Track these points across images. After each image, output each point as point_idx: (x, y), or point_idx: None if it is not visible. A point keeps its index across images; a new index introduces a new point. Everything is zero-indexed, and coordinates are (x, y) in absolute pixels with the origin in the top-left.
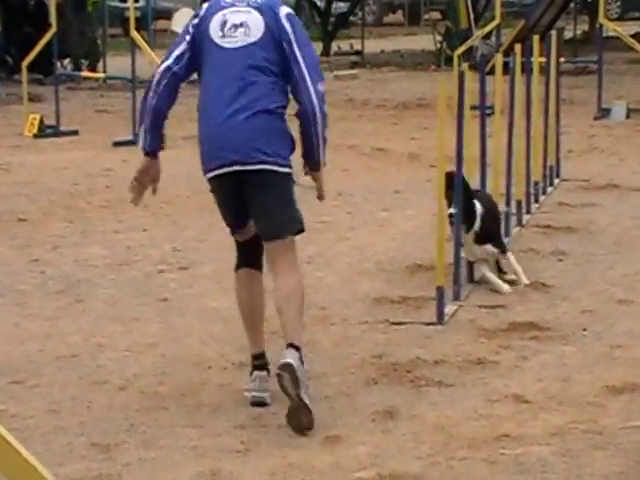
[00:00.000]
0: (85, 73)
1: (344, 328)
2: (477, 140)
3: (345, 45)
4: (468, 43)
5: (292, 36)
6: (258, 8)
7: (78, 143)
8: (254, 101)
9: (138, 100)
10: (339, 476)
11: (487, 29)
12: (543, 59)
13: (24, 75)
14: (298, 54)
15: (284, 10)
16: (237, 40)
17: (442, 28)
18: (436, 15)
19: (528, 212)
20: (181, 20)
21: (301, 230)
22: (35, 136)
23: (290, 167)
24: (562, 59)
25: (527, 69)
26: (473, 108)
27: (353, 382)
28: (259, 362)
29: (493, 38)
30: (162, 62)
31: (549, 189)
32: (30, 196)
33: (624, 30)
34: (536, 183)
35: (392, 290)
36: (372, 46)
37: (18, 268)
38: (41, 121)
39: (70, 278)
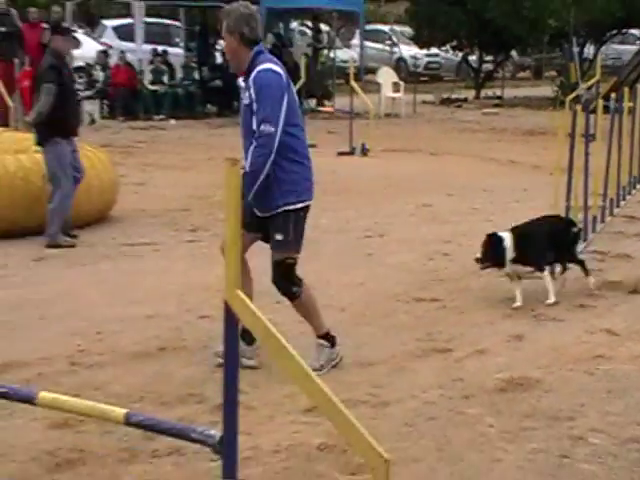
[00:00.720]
0: (322, 108)
1: (487, 279)
2: (582, 157)
3: (490, 92)
4: (577, 92)
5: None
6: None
7: (316, 153)
8: None
9: (355, 126)
10: (484, 375)
11: (590, 82)
12: (631, 103)
13: None
14: None
15: None
16: None
17: (558, 81)
18: (553, 73)
19: (618, 206)
20: (382, 74)
21: None
22: None
23: None
24: None
25: (619, 110)
26: (581, 135)
27: (495, 314)
28: None
29: (594, 89)
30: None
31: (633, 191)
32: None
33: None
34: (624, 187)
35: None
36: (509, 93)
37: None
38: None
39: (308, 238)
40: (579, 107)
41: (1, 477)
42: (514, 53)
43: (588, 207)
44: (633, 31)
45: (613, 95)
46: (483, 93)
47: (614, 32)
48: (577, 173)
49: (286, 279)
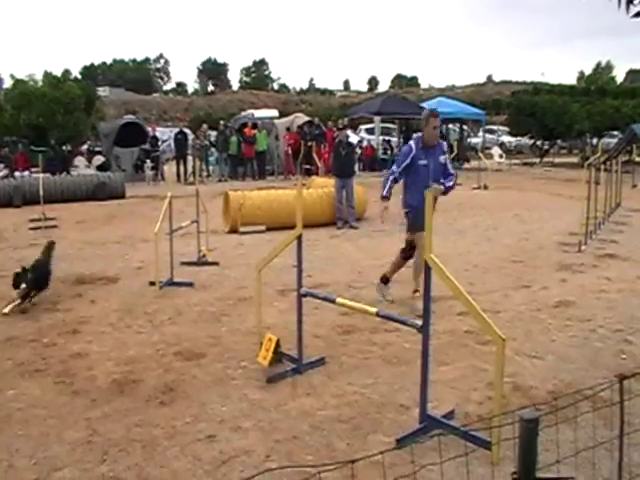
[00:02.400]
0: (465, 165)
1: (547, 252)
2: (594, 192)
3: (546, 160)
4: (589, 161)
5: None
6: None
7: (461, 188)
8: None
9: (481, 174)
10: (548, 299)
11: (596, 156)
12: (616, 167)
13: None
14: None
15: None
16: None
17: (580, 155)
18: (577, 151)
19: (609, 217)
20: (494, 150)
21: None
22: None
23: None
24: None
25: (611, 170)
26: (594, 183)
27: (551, 269)
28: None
29: (598, 159)
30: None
31: (615, 211)
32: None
33: None
34: (612, 207)
35: (564, 239)
36: (557, 160)
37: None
38: None
39: (458, 230)
40: (592, 168)
41: (316, 335)
42: (559, 140)
43: (597, 217)
44: (614, 132)
45: (606, 163)
46: (543, 160)
47: (606, 132)
48: (591, 200)
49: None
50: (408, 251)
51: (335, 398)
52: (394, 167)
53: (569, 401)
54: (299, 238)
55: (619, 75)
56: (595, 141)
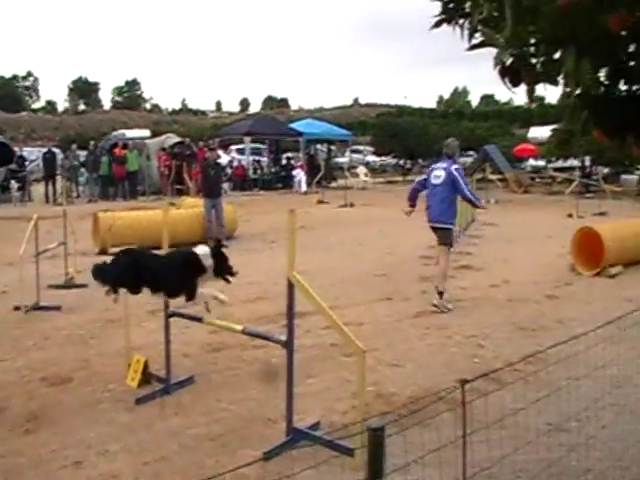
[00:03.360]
0: (332, 185)
1: (410, 265)
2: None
3: (408, 178)
4: None
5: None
6: (444, 169)
7: (329, 206)
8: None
9: (348, 193)
10: (396, 315)
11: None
12: (471, 184)
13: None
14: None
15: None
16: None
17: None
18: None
19: (466, 231)
20: (360, 169)
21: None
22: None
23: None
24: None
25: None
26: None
27: (412, 280)
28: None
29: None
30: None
31: (472, 224)
32: None
33: (493, 176)
34: (471, 219)
35: (424, 253)
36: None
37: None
38: None
39: (323, 246)
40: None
41: (186, 354)
42: (420, 160)
43: None
44: (470, 152)
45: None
46: (406, 178)
47: (463, 152)
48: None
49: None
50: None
51: (204, 416)
52: (468, 184)
53: (425, 404)
54: None
55: (474, 99)
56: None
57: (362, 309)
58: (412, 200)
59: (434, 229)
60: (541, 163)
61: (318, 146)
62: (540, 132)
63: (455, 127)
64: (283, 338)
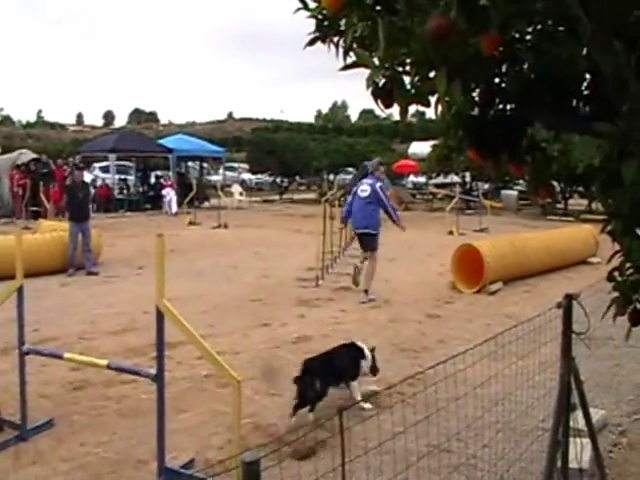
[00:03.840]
0: (203, 204)
1: (287, 287)
2: (330, 227)
3: (287, 196)
4: (327, 196)
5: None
6: (370, 185)
7: (201, 227)
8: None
9: (221, 213)
10: (287, 335)
11: (332, 192)
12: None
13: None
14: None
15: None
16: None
17: (318, 191)
18: (315, 187)
19: (346, 250)
20: (234, 187)
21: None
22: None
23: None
24: None
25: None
26: (329, 217)
27: (289, 305)
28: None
29: (334, 194)
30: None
31: (351, 244)
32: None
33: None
34: (347, 242)
35: (302, 275)
36: (295, 196)
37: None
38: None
39: (199, 272)
40: (328, 203)
41: (44, 395)
42: (297, 177)
43: (332, 251)
44: (349, 168)
45: (342, 198)
46: (284, 196)
47: (342, 168)
48: (327, 235)
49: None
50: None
51: (65, 462)
52: (388, 200)
53: (305, 433)
54: (20, 290)
55: (353, 114)
56: (332, 177)
57: (237, 337)
58: (345, 220)
59: (359, 235)
60: (422, 179)
61: (190, 163)
62: (421, 148)
63: (334, 143)
64: (153, 371)
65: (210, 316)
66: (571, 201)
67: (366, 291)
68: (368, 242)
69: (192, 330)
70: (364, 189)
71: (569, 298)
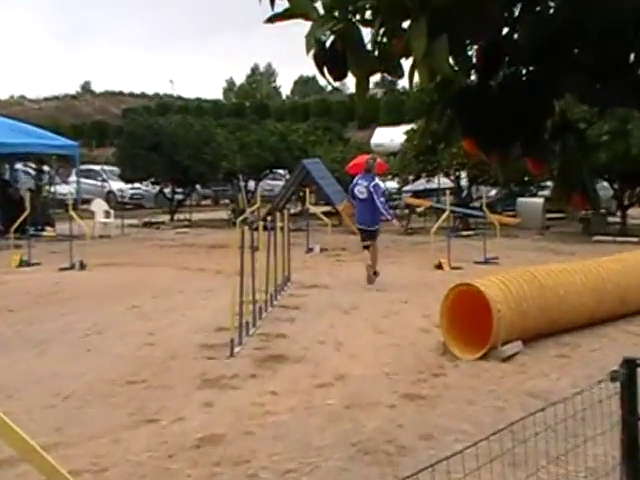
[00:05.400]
0: (44, 232)
1: (185, 360)
2: (250, 263)
3: (182, 216)
4: (244, 215)
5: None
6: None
7: (41, 270)
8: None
9: (74, 246)
10: (184, 437)
11: (253, 208)
12: (281, 223)
13: None
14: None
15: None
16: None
17: (231, 207)
18: (227, 201)
19: (275, 299)
20: (96, 204)
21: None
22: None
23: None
24: (289, 224)
25: (274, 228)
26: (248, 247)
27: (190, 388)
28: None
29: (256, 213)
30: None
31: (285, 287)
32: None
33: (318, 209)
34: (279, 285)
35: (209, 340)
36: (196, 217)
37: None
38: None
39: (37, 340)
40: (246, 227)
41: None
42: (198, 186)
43: (256, 300)
44: (280, 171)
45: (269, 217)
46: (176, 217)
47: (267, 172)
48: (247, 275)
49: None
50: (367, 248)
51: None
52: (383, 199)
53: None
54: None
55: (285, 86)
56: (252, 185)
57: (105, 443)
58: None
59: (365, 231)
60: (392, 185)
61: (19, 166)
62: (390, 135)
63: (256, 131)
64: None
65: (60, 412)
66: (631, 211)
67: (375, 272)
68: (372, 235)
69: (29, 439)
70: (361, 191)
71: (630, 366)
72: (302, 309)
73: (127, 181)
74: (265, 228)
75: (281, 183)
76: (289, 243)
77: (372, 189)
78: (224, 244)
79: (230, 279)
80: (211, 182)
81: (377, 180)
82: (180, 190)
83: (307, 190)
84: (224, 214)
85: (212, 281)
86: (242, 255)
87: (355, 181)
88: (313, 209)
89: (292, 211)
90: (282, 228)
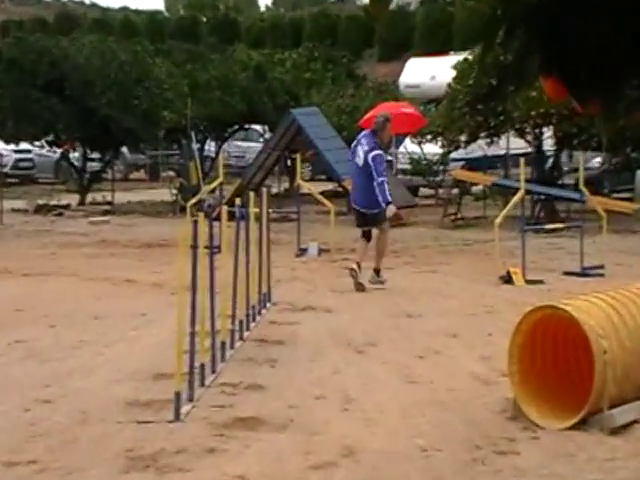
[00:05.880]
0: None
1: (101, 427)
2: (208, 272)
3: (99, 197)
4: (199, 196)
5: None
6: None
7: None
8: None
9: None
10: None
11: (213, 185)
12: (257, 209)
13: None
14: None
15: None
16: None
17: (177, 184)
18: (172, 173)
19: (247, 329)
20: None
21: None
22: None
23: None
24: (270, 210)
25: (246, 217)
26: (205, 247)
27: (109, 472)
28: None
29: (218, 192)
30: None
31: (263, 311)
32: None
33: (315, 188)
34: (253, 306)
35: (141, 395)
36: (121, 198)
37: None
38: None
39: None
40: (201, 215)
41: None
42: (125, 150)
43: (216, 332)
44: (256, 127)
45: (238, 200)
46: (89, 198)
47: (236, 127)
48: (203, 291)
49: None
50: (366, 235)
51: None
52: (384, 176)
53: None
54: None
55: None
56: (210, 148)
57: None
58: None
59: (359, 214)
60: (433, 149)
61: None
62: (429, 70)
63: (220, 64)
64: None
65: None
66: None
67: (377, 271)
68: (370, 220)
69: None
70: (359, 155)
71: None
72: (289, 344)
73: (7, 140)
74: (232, 217)
75: (257, 146)
76: (269, 241)
77: (370, 160)
78: (166, 242)
79: (175, 297)
80: (146, 144)
81: (379, 151)
82: (96, 156)
83: (298, 157)
84: (166, 194)
85: (147, 300)
86: (195, 260)
87: (358, 138)
88: (307, 187)
89: (275, 190)
90: (259, 217)
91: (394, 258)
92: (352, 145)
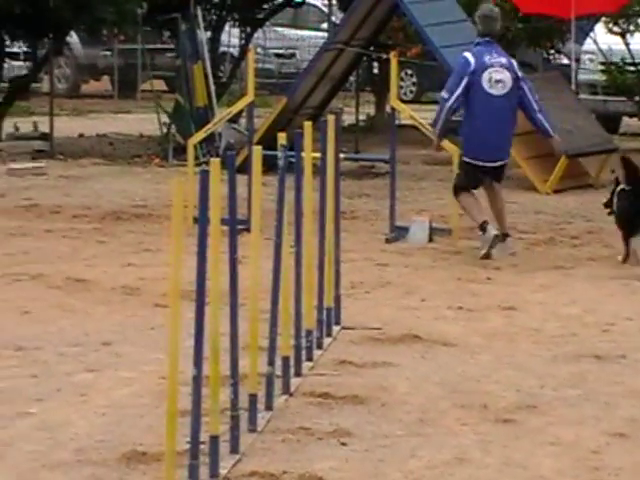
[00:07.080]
0: None
1: None
2: (226, 268)
3: (26, 125)
4: (208, 127)
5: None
6: (508, 68)
7: None
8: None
9: None
10: None
11: (234, 108)
12: (316, 154)
13: None
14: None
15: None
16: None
17: (169, 104)
18: (160, 84)
19: (298, 374)
20: None
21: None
22: None
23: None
24: (342, 155)
25: (296, 168)
26: (222, 222)
27: None
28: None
29: (243, 121)
30: (446, 100)
31: (326, 340)
32: None
33: (422, 117)
34: (309, 332)
35: None
36: (65, 127)
37: None
38: None
39: None
40: (214, 161)
41: None
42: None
43: (239, 378)
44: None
45: (281, 136)
46: (9, 126)
47: (280, 0)
48: (216, 304)
49: (455, 189)
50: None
51: None
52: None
53: None
54: None
55: None
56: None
57: None
58: (443, 131)
59: (490, 170)
60: None
61: None
62: None
63: None
64: None
65: None
66: None
67: (506, 235)
68: (499, 174)
69: None
70: (498, 78)
71: None
72: (372, 405)
73: None
74: (270, 166)
75: (318, 38)
76: (338, 213)
77: (528, 89)
78: (147, 210)
79: (163, 312)
80: (113, 28)
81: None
82: (20, 49)
83: (393, 59)
84: (149, 123)
85: (112, 317)
86: (201, 245)
87: (478, 51)
88: (409, 115)
89: (349, 120)
90: (319, 168)
91: (568, 248)
92: (475, 61)
